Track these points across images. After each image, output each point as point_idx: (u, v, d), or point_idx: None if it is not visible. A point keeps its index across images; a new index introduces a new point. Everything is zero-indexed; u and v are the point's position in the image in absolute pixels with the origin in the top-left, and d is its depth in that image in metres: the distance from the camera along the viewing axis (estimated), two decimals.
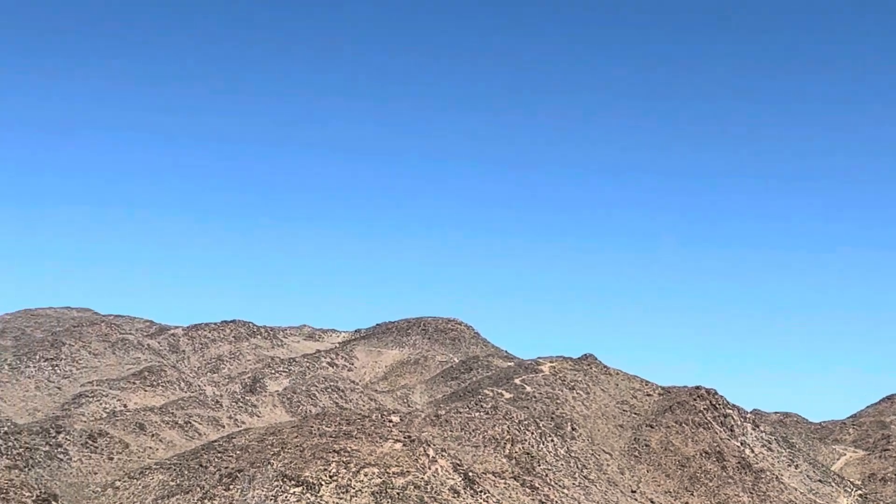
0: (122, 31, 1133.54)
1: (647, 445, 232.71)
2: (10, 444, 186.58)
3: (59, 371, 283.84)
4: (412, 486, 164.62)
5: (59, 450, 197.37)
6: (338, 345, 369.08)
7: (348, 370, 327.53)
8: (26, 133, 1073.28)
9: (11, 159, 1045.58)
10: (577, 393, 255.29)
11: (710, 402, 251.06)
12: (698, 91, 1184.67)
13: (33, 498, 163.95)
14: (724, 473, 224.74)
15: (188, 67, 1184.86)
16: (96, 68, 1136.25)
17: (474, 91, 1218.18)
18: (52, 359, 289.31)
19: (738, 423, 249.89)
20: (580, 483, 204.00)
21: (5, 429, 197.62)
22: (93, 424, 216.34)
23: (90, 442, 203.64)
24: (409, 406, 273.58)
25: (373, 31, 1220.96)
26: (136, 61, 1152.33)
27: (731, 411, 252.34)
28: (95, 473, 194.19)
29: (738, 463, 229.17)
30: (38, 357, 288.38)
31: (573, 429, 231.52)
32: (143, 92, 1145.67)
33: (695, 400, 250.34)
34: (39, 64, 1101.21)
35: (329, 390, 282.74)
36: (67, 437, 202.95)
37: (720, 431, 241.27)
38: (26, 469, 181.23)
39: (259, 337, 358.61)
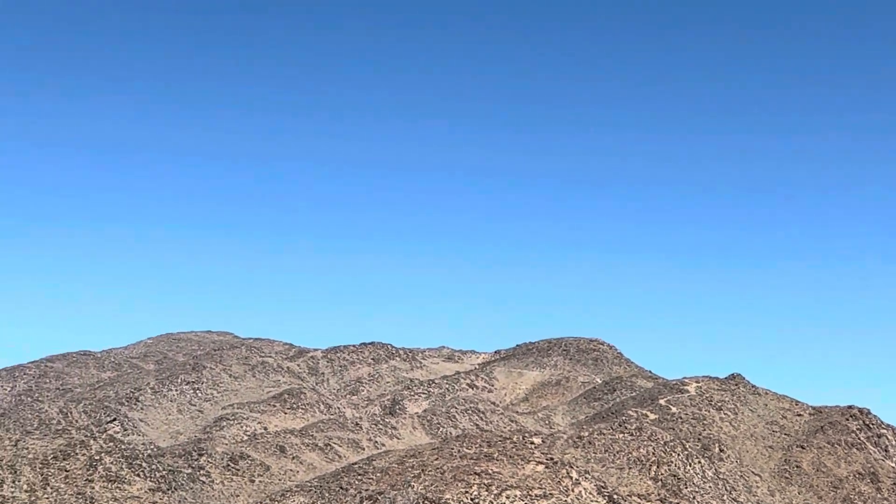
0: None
1: (798, 467, 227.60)
2: (153, 467, 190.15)
3: (200, 394, 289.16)
4: None
5: (202, 472, 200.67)
6: (477, 366, 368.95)
7: (488, 391, 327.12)
8: (161, 161, 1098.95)
9: (151, 186, 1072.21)
10: (725, 413, 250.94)
11: (864, 421, 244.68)
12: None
13: None
14: (879, 495, 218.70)
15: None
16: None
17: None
18: (193, 382, 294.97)
19: (893, 443, 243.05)
20: None
21: (149, 452, 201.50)
22: (234, 447, 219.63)
23: (232, 464, 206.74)
24: (550, 428, 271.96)
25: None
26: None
27: (885, 431, 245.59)
28: (237, 496, 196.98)
29: (894, 484, 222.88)
30: (179, 380, 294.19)
31: (721, 450, 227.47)
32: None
33: (847, 420, 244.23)
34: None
35: (469, 412, 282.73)
36: (209, 459, 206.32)
37: (874, 452, 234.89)
38: (169, 492, 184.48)
39: (398, 359, 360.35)
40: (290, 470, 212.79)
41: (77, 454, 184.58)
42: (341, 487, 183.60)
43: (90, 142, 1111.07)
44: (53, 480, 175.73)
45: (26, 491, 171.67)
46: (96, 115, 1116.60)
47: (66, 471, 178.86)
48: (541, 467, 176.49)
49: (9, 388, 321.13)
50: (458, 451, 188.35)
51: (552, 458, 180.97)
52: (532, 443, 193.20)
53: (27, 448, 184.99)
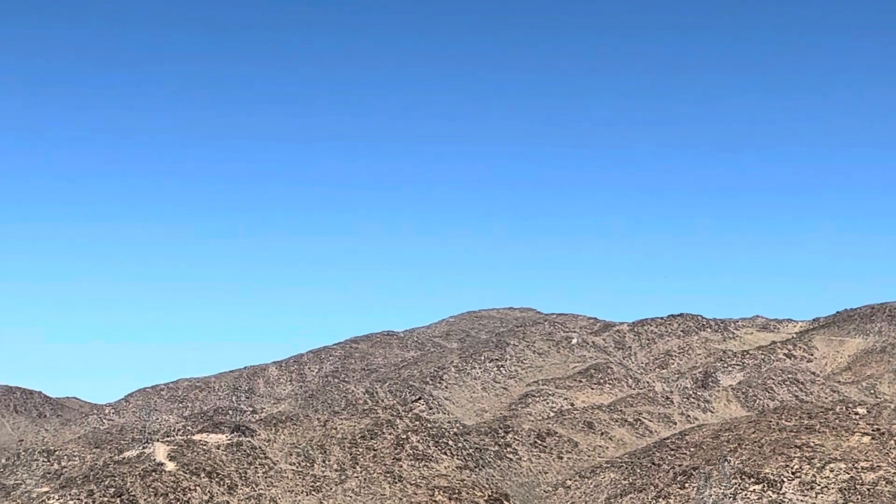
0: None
1: None
2: (459, 444, 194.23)
3: (504, 371, 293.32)
4: (883, 482, 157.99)
5: (509, 450, 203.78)
6: (795, 335, 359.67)
7: (807, 361, 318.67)
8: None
9: (448, 174, 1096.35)
10: None
11: None
12: None
13: (485, 497, 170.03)
14: None
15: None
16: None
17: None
18: (497, 359, 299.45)
19: None
20: None
21: (455, 430, 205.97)
22: (541, 424, 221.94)
23: (539, 441, 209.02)
24: (876, 397, 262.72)
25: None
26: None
27: None
28: (545, 473, 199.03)
29: None
30: (483, 358, 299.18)
31: None
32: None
33: None
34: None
35: (787, 383, 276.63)
36: (516, 436, 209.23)
37: None
38: (477, 469, 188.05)
39: (709, 330, 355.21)
40: (600, 446, 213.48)
41: (384, 433, 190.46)
42: (653, 463, 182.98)
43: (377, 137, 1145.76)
44: (362, 459, 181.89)
45: (336, 470, 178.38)
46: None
47: (374, 450, 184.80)
48: (867, 439, 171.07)
49: (316, 370, 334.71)
50: (777, 423, 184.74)
51: (878, 429, 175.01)
52: (856, 413, 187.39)
53: (335, 428, 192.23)
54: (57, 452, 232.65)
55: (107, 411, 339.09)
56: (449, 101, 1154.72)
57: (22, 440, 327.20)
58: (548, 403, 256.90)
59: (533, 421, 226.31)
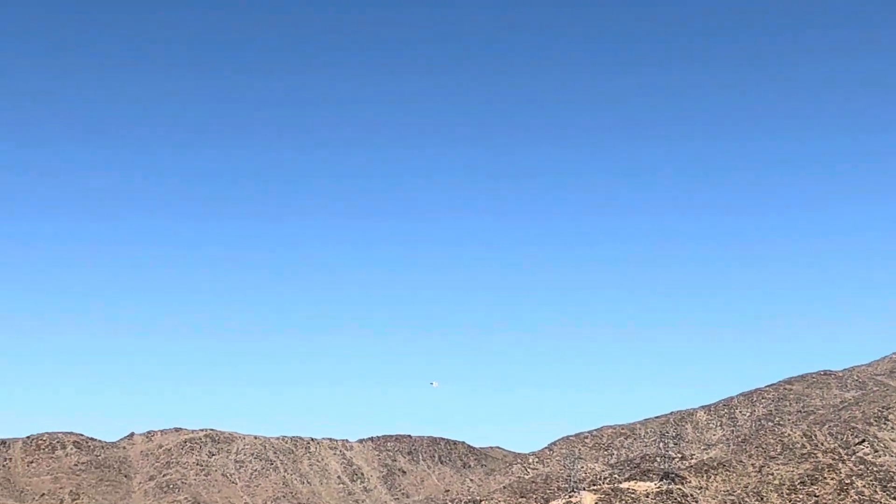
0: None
1: None
2: None
3: None
4: None
5: None
6: None
7: None
8: None
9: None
10: None
11: None
12: None
13: None
14: None
15: None
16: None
17: None
18: None
19: None
20: None
21: None
22: None
23: None
24: None
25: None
26: None
27: None
28: None
29: None
30: None
31: None
32: None
33: None
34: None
35: None
36: None
37: None
38: None
39: None
40: None
41: (826, 479, 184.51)
42: None
43: None
44: None
45: None
46: None
47: (816, 496, 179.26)
48: None
49: (748, 413, 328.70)
50: None
51: None
52: None
53: (772, 474, 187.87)
54: (483, 502, 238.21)
55: (531, 460, 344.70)
56: None
57: (448, 490, 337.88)
58: None
59: None
